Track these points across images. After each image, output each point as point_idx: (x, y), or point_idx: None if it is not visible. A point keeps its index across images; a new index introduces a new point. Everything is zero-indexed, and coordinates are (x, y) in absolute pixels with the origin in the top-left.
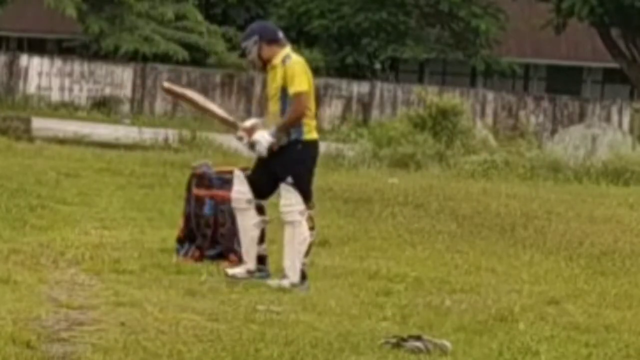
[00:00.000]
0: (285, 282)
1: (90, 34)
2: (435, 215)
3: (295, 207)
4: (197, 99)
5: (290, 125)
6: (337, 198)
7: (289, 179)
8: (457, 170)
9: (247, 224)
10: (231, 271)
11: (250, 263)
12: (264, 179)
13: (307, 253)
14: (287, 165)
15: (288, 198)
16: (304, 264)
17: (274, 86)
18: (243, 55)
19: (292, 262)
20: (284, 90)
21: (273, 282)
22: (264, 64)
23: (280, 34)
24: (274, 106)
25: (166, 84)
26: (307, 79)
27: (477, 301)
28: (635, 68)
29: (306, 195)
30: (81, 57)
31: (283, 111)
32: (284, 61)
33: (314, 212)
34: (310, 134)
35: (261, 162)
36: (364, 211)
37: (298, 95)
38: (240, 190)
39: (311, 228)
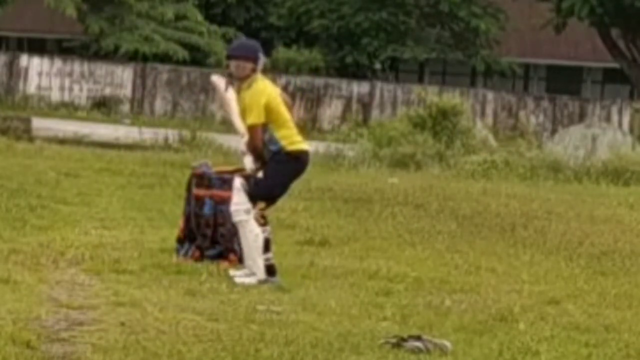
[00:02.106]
0: (253, 279)
1: (90, 34)
2: (435, 215)
3: (241, 206)
4: (228, 101)
5: (254, 154)
6: (337, 198)
7: (260, 174)
8: (457, 170)
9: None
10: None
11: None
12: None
13: (266, 248)
14: (266, 166)
15: (236, 197)
16: (267, 259)
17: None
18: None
19: (252, 260)
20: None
21: (241, 279)
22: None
23: None
24: None
25: (215, 77)
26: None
27: (477, 301)
28: (635, 68)
29: (267, 198)
30: (81, 57)
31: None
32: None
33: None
34: (293, 145)
35: None
36: (364, 211)
37: (250, 128)
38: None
39: (262, 224)
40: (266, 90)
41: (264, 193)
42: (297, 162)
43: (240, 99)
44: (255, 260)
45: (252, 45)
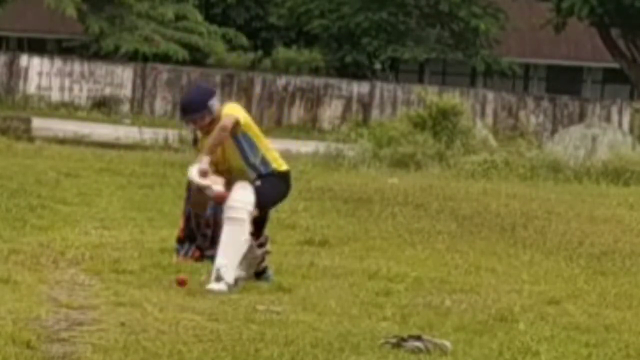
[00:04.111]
0: (222, 286)
1: (90, 34)
2: (435, 215)
3: (246, 206)
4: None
5: (214, 146)
6: (337, 198)
7: (258, 182)
8: (457, 170)
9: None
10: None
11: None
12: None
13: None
14: (260, 177)
15: (242, 195)
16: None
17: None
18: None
19: (230, 261)
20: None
21: (210, 285)
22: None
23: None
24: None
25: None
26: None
27: (477, 301)
28: (635, 68)
29: (261, 207)
30: (81, 57)
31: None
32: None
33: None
34: (282, 167)
35: None
36: (364, 211)
37: (226, 116)
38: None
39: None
40: (236, 110)
41: (262, 200)
42: (287, 183)
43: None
44: (232, 263)
45: (197, 99)
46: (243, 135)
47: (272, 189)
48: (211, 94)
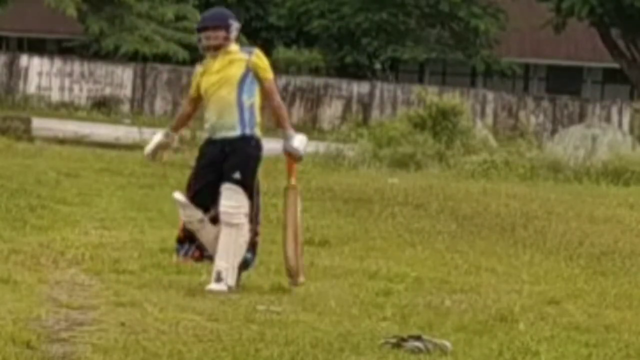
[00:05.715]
0: (222, 286)
1: (90, 34)
2: (435, 215)
3: (242, 210)
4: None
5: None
6: (337, 198)
7: (237, 175)
8: (457, 170)
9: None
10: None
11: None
12: (210, 186)
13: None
14: (238, 161)
15: (236, 200)
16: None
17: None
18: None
19: (231, 265)
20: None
21: (210, 285)
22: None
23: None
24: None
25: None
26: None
27: (477, 301)
28: (635, 68)
29: (250, 195)
30: (81, 57)
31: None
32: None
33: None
34: (259, 131)
35: (206, 166)
36: (364, 211)
37: (271, 82)
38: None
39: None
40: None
41: (253, 186)
42: (261, 148)
43: (216, 68)
44: (234, 266)
45: (221, 13)
46: (253, 75)
47: (252, 168)
48: (233, 17)
